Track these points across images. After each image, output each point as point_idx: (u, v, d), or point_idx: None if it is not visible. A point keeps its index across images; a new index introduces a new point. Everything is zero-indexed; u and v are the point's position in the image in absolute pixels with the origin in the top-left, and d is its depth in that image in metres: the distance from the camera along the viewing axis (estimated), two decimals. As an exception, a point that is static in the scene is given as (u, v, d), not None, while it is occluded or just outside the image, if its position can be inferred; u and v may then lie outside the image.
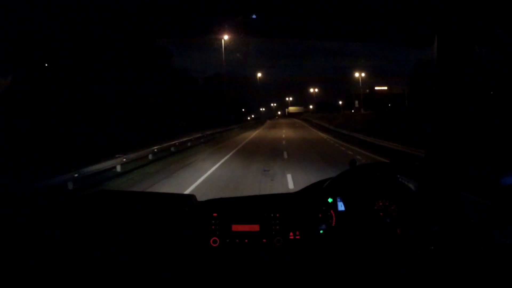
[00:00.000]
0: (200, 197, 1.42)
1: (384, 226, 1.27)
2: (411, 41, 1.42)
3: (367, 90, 51.92)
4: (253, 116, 67.86)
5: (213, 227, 1.29)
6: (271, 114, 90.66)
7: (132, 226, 1.27)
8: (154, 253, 1.23)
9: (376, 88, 52.22)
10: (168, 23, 1.29)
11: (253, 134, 23.69)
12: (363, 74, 48.26)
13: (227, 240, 1.28)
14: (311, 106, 78.84)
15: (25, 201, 1.38)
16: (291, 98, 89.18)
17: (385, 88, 52.20)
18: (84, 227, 1.25)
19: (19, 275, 1.20)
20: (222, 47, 29.19)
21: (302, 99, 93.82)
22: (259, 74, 48.40)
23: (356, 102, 45.06)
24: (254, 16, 1.22)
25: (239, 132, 26.05)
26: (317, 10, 1.16)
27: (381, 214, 1.29)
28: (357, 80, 47.46)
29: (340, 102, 73.04)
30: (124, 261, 1.23)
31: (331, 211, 1.29)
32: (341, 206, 1.30)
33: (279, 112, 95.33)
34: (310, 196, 1.26)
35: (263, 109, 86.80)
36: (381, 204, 1.31)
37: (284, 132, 24.74)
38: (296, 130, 28.16)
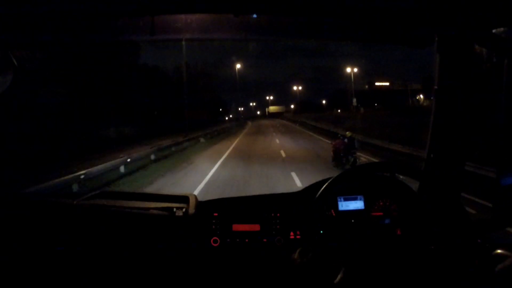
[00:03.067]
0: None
1: (384, 226, 1.32)
2: (410, 41, 1.42)
3: (366, 86, 49.37)
4: (231, 116, 65.41)
5: (213, 226, 1.35)
6: (251, 114, 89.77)
7: (133, 226, 1.33)
8: (155, 253, 1.30)
9: (377, 83, 48.91)
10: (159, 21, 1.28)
11: (227, 151, 15.04)
12: (355, 70, 45.43)
13: (228, 240, 1.34)
14: (292, 106, 79.25)
15: (23, 202, 1.41)
16: (271, 97, 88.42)
17: (387, 84, 48.51)
18: (85, 228, 1.31)
19: (17, 276, 1.25)
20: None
21: (282, 98, 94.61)
22: (237, 66, 37.90)
23: (354, 100, 40.47)
24: (255, 16, 1.25)
25: (203, 146, 17.68)
26: (317, 10, 1.17)
27: (381, 214, 1.35)
28: (354, 76, 44.92)
29: (324, 101, 73.48)
30: (124, 261, 1.29)
31: (332, 210, 1.35)
32: (341, 206, 1.36)
33: (258, 112, 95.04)
34: (310, 195, 1.28)
35: (242, 108, 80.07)
36: (381, 204, 1.36)
37: (279, 144, 16.98)
38: (294, 138, 20.71)
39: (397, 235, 1.30)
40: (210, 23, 1.33)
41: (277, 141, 18.71)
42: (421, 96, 46.45)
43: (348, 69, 44.35)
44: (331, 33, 1.43)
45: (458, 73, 1.29)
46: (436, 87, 1.34)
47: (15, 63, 1.19)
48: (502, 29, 1.17)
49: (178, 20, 1.30)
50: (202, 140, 18.73)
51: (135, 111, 24.09)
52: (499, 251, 1.08)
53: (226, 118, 58.93)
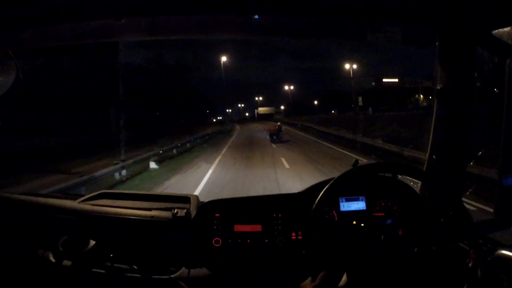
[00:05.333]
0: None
1: (386, 226, 1.36)
2: (412, 40, 1.45)
3: (373, 83, 41.90)
4: (219, 118, 61.87)
5: (215, 227, 1.39)
6: (240, 115, 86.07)
7: (134, 226, 1.36)
8: (156, 254, 1.35)
9: (385, 80, 41.56)
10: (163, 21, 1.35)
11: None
12: (355, 67, 38.51)
13: (229, 241, 1.37)
14: (282, 107, 74.91)
15: (23, 203, 1.44)
16: (261, 98, 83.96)
17: (396, 80, 41.42)
18: (86, 228, 1.35)
19: (18, 276, 1.30)
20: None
21: (272, 100, 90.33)
22: (223, 58, 30.48)
23: (360, 99, 34.51)
24: (256, 17, 1.28)
25: (150, 182, 9.37)
26: (318, 9, 1.20)
27: (383, 214, 1.39)
28: (354, 75, 37.95)
29: (316, 102, 70.64)
30: (125, 262, 1.34)
31: (333, 211, 1.40)
32: (343, 206, 1.41)
33: (247, 114, 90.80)
34: (312, 196, 1.30)
35: (230, 110, 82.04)
36: (383, 204, 1.40)
37: (295, 178, 8.60)
38: (321, 167, 9.12)
39: (399, 236, 1.33)
40: (211, 22, 1.36)
41: (285, 164, 10.53)
42: (421, 95, 43.46)
43: (347, 66, 39.48)
44: (332, 32, 1.47)
45: (460, 73, 1.33)
46: (438, 87, 1.39)
47: (17, 64, 1.23)
48: (503, 30, 1.18)
49: (179, 20, 1.33)
50: (153, 165, 10.43)
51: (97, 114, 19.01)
52: (501, 251, 1.09)
53: (214, 120, 55.94)
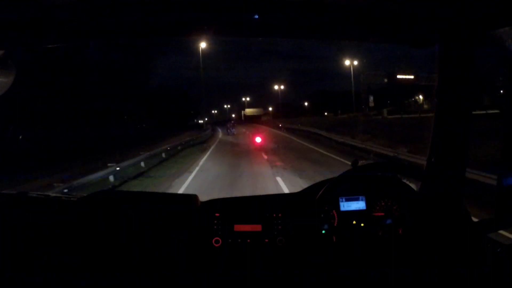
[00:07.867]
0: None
1: (386, 226, 1.42)
2: (413, 40, 1.50)
3: (385, 80, 36.12)
4: (206, 119, 59.86)
5: (215, 227, 1.44)
6: (226, 116, 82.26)
7: (134, 226, 1.40)
8: (156, 254, 1.39)
9: (399, 76, 35.41)
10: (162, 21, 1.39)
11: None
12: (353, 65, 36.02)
13: (229, 240, 1.42)
14: (270, 108, 72.98)
15: (23, 203, 1.48)
16: (248, 98, 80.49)
17: (411, 77, 35.00)
18: (85, 227, 1.40)
19: (18, 274, 1.34)
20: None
21: (259, 101, 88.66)
22: (202, 45, 29.95)
23: (371, 98, 31.82)
24: (256, 16, 1.29)
25: None
26: (317, 9, 1.23)
27: (382, 214, 1.44)
28: (364, 71, 35.17)
29: (306, 103, 69.68)
30: (124, 261, 1.36)
31: (333, 211, 1.45)
32: (343, 206, 1.46)
33: (233, 115, 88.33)
34: (312, 196, 1.39)
35: (215, 111, 79.76)
36: (383, 204, 1.44)
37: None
38: None
39: (399, 235, 1.37)
40: (209, 21, 1.38)
41: None
42: (420, 97, 41.07)
43: (347, 62, 36.53)
44: (333, 32, 1.49)
45: (460, 73, 1.35)
46: (437, 88, 1.42)
47: (15, 65, 1.29)
48: (503, 30, 1.19)
49: (178, 19, 1.37)
50: None
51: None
52: (501, 251, 1.11)
53: (201, 122, 54.19)
